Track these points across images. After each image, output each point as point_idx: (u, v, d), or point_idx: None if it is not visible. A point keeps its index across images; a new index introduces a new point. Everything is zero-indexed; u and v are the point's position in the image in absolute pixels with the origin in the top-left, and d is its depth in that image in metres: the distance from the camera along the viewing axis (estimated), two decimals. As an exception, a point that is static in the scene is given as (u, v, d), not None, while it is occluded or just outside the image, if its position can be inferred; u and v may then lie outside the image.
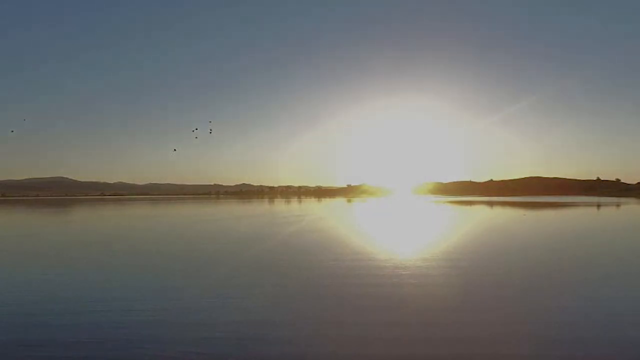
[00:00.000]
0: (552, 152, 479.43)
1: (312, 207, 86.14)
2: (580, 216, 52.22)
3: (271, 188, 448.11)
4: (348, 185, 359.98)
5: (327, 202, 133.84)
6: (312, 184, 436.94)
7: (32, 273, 16.27)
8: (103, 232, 35.96)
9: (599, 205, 79.56)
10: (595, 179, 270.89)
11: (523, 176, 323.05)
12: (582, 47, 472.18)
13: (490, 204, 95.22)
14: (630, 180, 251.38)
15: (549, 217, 50.67)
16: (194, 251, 22.24)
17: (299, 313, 10.53)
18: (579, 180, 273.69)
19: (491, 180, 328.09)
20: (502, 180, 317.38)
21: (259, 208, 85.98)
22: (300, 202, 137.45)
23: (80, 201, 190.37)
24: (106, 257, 20.03)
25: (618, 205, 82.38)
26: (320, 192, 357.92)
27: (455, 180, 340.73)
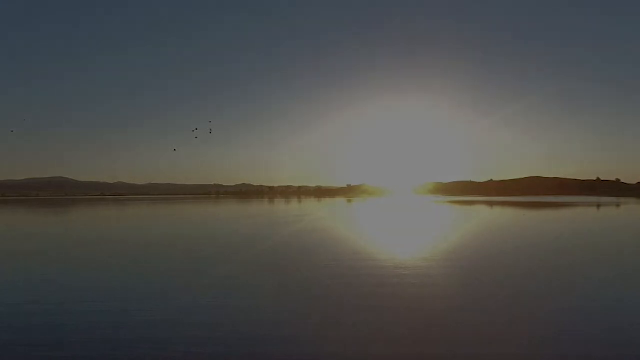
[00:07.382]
0: (552, 152, 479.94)
1: (312, 207, 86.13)
2: (580, 216, 52.21)
3: (271, 188, 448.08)
4: (348, 185, 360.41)
5: (327, 202, 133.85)
6: (312, 184, 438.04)
7: (32, 273, 16.27)
8: (103, 232, 35.96)
9: (599, 206, 79.54)
10: (595, 179, 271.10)
11: (523, 176, 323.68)
12: (582, 47, 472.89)
13: (491, 204, 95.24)
14: (630, 180, 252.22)
15: (548, 218, 50.65)
16: (193, 251, 22.24)
17: (299, 313, 10.53)
18: (579, 180, 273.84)
19: (491, 180, 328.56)
20: (502, 181, 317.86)
21: (259, 208, 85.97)
22: (300, 202, 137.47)
23: (80, 201, 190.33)
24: (106, 258, 20.02)
25: (618, 205, 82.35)
26: (320, 192, 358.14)
27: (456, 180, 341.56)
